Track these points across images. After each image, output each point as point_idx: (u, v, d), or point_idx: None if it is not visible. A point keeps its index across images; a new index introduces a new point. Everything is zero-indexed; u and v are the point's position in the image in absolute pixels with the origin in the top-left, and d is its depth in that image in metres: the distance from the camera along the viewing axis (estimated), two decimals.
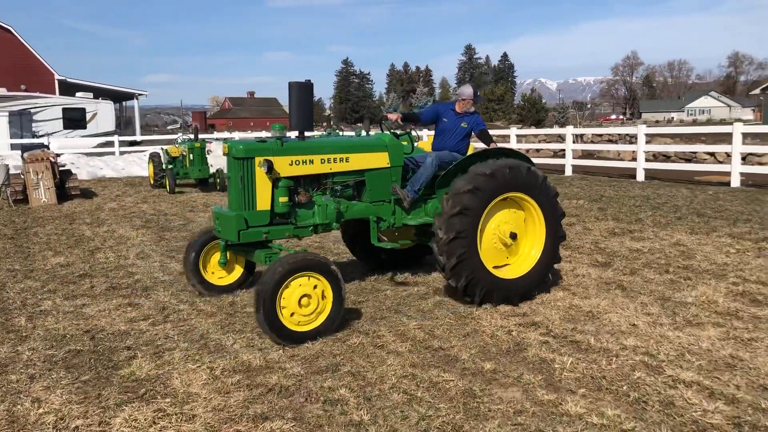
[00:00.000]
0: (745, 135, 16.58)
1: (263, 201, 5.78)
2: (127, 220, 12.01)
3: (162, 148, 18.88)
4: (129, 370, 4.63)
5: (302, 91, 5.94)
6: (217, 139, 31.69)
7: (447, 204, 5.89)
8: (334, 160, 6.14)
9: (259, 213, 5.77)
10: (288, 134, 6.21)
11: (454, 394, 4.14)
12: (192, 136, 18.04)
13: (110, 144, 28.39)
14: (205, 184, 17.67)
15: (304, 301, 5.12)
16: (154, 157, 18.29)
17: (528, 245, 6.36)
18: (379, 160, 6.39)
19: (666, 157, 21.11)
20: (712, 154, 19.71)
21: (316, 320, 5.22)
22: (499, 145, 6.91)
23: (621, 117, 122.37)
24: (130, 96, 45.18)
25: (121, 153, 27.10)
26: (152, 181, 18.14)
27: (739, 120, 70.30)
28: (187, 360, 4.81)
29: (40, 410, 4.01)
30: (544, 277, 6.37)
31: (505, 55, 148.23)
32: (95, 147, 28.55)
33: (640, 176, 16.97)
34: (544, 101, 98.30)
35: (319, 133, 16.82)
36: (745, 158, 18.30)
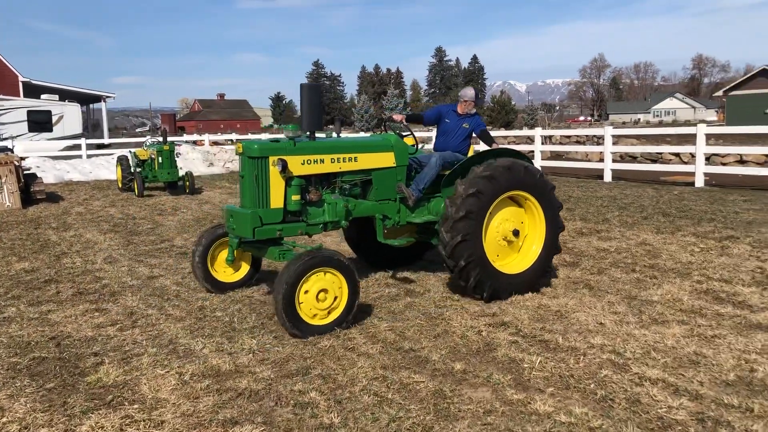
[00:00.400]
0: (708, 136, 16.96)
1: (277, 199, 5.91)
2: (95, 224, 11.83)
3: (130, 151, 18.65)
4: (96, 376, 4.56)
5: (313, 92, 6.10)
6: (186, 142, 31.43)
7: (451, 208, 6.07)
8: (344, 159, 6.29)
9: (272, 211, 5.90)
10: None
11: (425, 395, 4.16)
12: (161, 139, 17.85)
13: (77, 147, 27.91)
14: (174, 187, 17.48)
15: (321, 295, 5.32)
16: (122, 160, 18.05)
17: (529, 240, 6.61)
18: (386, 159, 6.56)
19: (632, 158, 21.46)
20: (677, 154, 20.08)
21: (332, 315, 5.42)
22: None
23: (589, 118, 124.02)
24: (98, 98, 44.45)
25: (89, 156, 26.64)
26: (120, 185, 17.91)
27: (703, 121, 71.62)
28: (156, 365, 4.76)
29: (4, 419, 3.94)
30: (546, 268, 6.65)
31: (475, 58, 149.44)
32: (62, 150, 28.03)
33: (608, 177, 17.22)
34: (513, 103, 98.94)
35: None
36: (709, 159, 18.68)
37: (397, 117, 7.04)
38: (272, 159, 5.82)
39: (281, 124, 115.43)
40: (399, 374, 4.49)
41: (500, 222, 6.39)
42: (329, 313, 5.40)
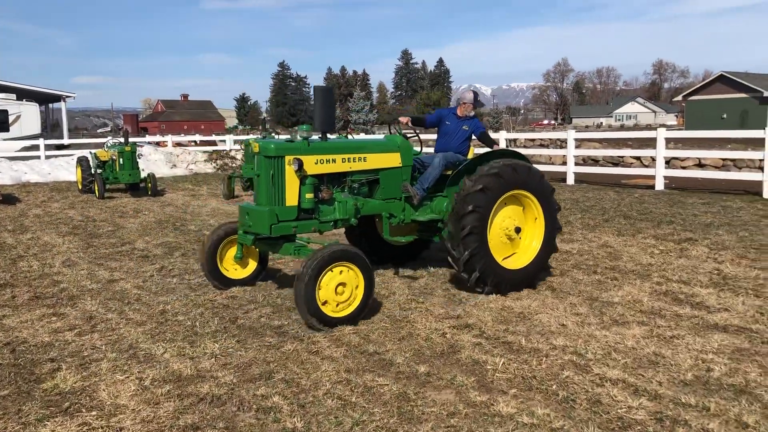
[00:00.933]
0: (668, 140, 17.29)
1: (292, 197, 6.08)
2: (53, 227, 11.56)
3: (91, 152, 18.30)
4: (52, 383, 4.45)
5: (325, 94, 6.30)
6: (149, 143, 30.94)
7: (459, 203, 6.34)
8: (354, 159, 6.51)
9: (288, 208, 6.08)
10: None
11: (389, 398, 4.15)
12: (122, 140, 17.55)
13: (35, 147, 27.27)
14: (136, 189, 17.21)
15: (339, 289, 5.52)
16: (82, 162, 17.71)
17: (529, 238, 6.89)
18: (392, 160, 6.80)
19: (595, 161, 21.78)
20: (638, 158, 20.43)
21: (348, 308, 5.61)
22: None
23: (553, 122, 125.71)
24: (57, 98, 43.49)
25: (48, 157, 26.03)
26: (80, 186, 17.57)
27: (663, 125, 72.86)
28: (115, 371, 4.67)
29: None
30: (544, 265, 6.96)
31: (441, 61, 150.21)
32: (19, 151, 27.37)
33: (570, 180, 17.46)
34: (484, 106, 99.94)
35: (254, 137, 16.66)
36: (669, 162, 19.05)
37: (403, 120, 7.31)
38: (288, 158, 6.01)
39: (246, 125, 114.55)
40: (363, 377, 4.47)
41: (503, 219, 6.68)
42: (346, 306, 5.60)
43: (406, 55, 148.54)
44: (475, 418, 3.86)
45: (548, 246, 6.88)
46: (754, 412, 3.85)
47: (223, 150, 28.27)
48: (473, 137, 7.44)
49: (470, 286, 6.46)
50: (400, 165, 6.84)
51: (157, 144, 31.43)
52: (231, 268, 6.91)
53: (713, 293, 6.37)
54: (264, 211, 5.98)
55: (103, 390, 4.32)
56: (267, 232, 6.02)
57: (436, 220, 6.94)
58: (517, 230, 6.70)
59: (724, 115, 52.12)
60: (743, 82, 52.28)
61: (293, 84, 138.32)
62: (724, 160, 18.80)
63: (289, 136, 6.62)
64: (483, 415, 3.90)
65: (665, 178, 15.72)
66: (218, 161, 25.81)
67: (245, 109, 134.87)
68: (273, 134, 18.05)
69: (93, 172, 17.08)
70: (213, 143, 32.76)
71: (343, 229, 7.23)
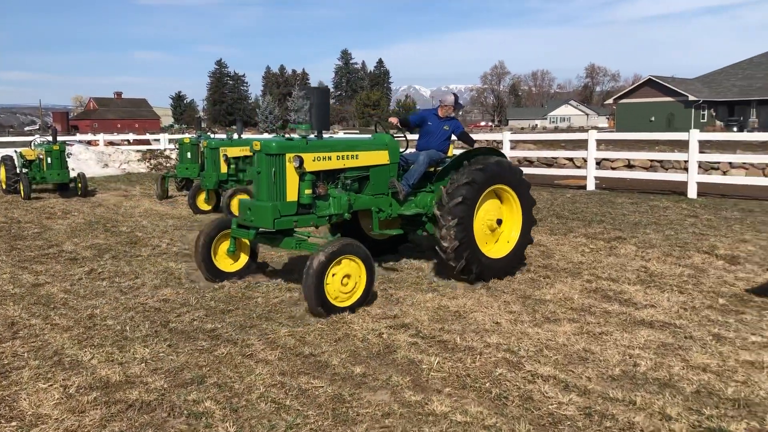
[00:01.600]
0: (599, 142, 17.82)
1: (292, 193, 6.36)
2: None
3: (16, 151, 17.55)
4: None
5: (321, 95, 6.69)
6: (80, 141, 29.89)
7: (448, 195, 6.75)
8: (347, 156, 6.83)
9: (288, 204, 6.35)
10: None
11: (323, 401, 4.12)
12: (50, 138, 16.90)
13: None
14: (65, 189, 16.60)
15: (344, 280, 5.88)
16: (6, 161, 16.98)
17: (508, 229, 7.40)
18: (382, 157, 7.15)
19: (529, 162, 22.23)
20: (570, 159, 20.95)
21: (351, 298, 5.98)
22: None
23: (490, 124, 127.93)
24: None
25: None
26: (4, 186, 16.85)
27: (595, 127, 75.12)
28: (38, 379, 4.48)
29: None
30: (521, 255, 7.47)
31: (380, 61, 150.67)
32: None
33: None
34: (418, 107, 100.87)
35: (190, 136, 16.30)
36: (600, 163, 19.62)
37: (393, 120, 7.71)
38: (289, 156, 6.29)
39: (182, 123, 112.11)
40: (298, 380, 4.43)
41: (485, 212, 7.14)
42: (349, 297, 5.97)
43: (345, 55, 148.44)
44: (409, 418, 3.87)
45: (525, 237, 7.41)
46: (676, 405, 3.99)
47: (158, 149, 27.59)
48: (453, 137, 7.84)
49: (456, 273, 6.88)
50: (389, 162, 7.20)
51: (89, 143, 30.43)
52: (224, 261, 7.11)
53: (640, 290, 6.58)
54: (267, 206, 6.24)
55: (24, 399, 4.14)
56: (270, 226, 6.27)
57: (420, 214, 7.35)
58: (499, 222, 7.22)
59: (653, 118, 54.09)
60: (670, 86, 54.35)
61: (231, 82, 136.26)
62: (651, 161, 19.48)
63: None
64: (417, 415, 3.91)
65: (596, 178, 16.19)
66: (152, 161, 25.18)
67: (181, 107, 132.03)
68: (209, 133, 17.71)
69: (18, 171, 16.40)
70: (147, 142, 31.93)
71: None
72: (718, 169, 18.37)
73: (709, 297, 6.32)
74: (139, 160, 25.16)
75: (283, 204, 6.30)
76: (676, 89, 53.70)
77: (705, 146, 22.48)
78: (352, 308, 5.94)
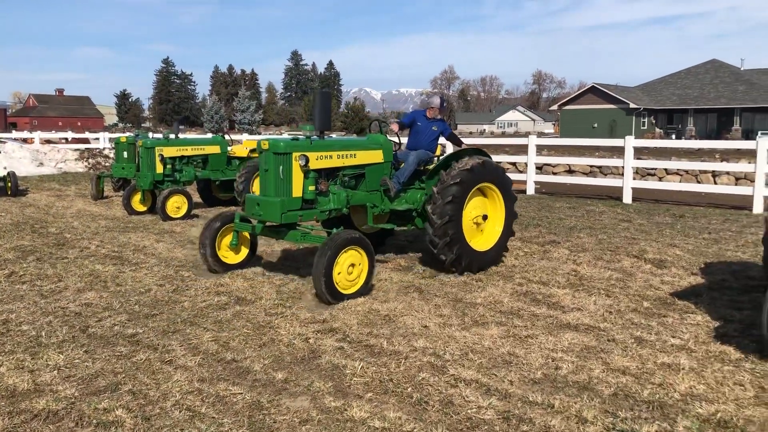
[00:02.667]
0: (540, 147, 18.13)
1: (297, 189, 6.81)
2: None
3: None
4: None
5: (324, 98, 7.12)
6: (15, 139, 28.84)
7: (439, 194, 7.26)
8: (346, 155, 7.32)
9: (294, 199, 6.80)
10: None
11: (240, 408, 4.02)
12: None
13: None
14: None
15: (350, 269, 6.36)
16: None
17: (492, 224, 7.97)
18: (377, 156, 7.66)
19: None
20: (513, 164, 21.26)
21: (355, 286, 6.47)
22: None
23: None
24: None
25: None
26: None
27: (542, 133, 76.19)
28: None
29: None
30: (504, 247, 8.07)
31: (331, 63, 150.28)
32: None
33: None
34: (368, 110, 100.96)
35: (127, 135, 15.87)
36: (542, 168, 19.98)
37: (394, 127, 8.17)
38: (295, 155, 6.73)
39: (127, 122, 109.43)
40: (216, 387, 4.31)
41: (472, 208, 7.68)
42: (353, 284, 6.45)
43: (295, 57, 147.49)
44: (326, 425, 3.81)
45: (508, 231, 8.04)
46: (593, 408, 4.03)
47: (97, 148, 26.83)
48: (442, 137, 8.41)
49: (447, 266, 7.40)
50: (383, 161, 7.71)
51: (24, 140, 29.39)
52: (227, 254, 7.52)
53: (569, 293, 6.67)
54: (276, 201, 6.68)
55: None
56: (278, 220, 6.72)
57: (411, 209, 7.86)
58: (485, 217, 7.80)
59: (596, 124, 55.37)
60: (612, 93, 55.73)
61: (178, 81, 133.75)
62: (591, 166, 19.93)
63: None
64: (336, 421, 3.85)
65: (536, 183, 16.44)
66: (90, 160, 24.47)
67: (126, 106, 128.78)
68: (149, 133, 17.28)
69: None
70: (86, 141, 31.04)
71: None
72: (654, 175, 18.91)
73: (634, 300, 6.45)
74: (76, 160, 24.43)
75: (289, 199, 6.75)
76: (618, 97, 55.12)
77: (643, 153, 23.13)
78: (355, 296, 6.38)
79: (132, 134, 15.00)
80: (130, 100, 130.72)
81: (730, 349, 5.05)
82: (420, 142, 8.20)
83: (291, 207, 6.78)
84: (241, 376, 4.53)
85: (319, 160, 6.98)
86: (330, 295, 6.16)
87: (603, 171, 19.74)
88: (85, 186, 17.58)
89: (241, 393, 4.22)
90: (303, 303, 6.30)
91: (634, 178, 15.49)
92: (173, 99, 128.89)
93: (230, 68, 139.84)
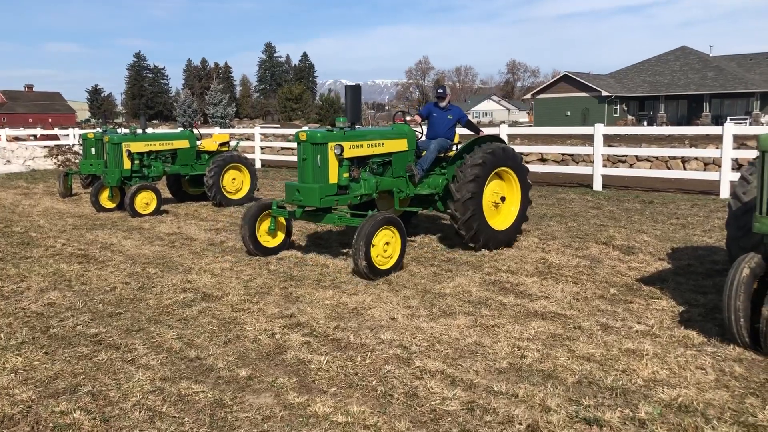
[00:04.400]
0: (514, 136, 18.16)
1: (333, 176, 7.43)
2: None
3: None
4: None
5: (354, 92, 7.70)
6: None
7: (463, 174, 7.84)
8: (375, 144, 7.97)
9: (330, 185, 7.41)
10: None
11: (202, 406, 3.96)
12: None
13: None
14: None
15: (384, 246, 6.95)
16: None
17: (510, 206, 8.51)
18: (402, 144, 8.34)
19: None
20: None
21: (389, 262, 7.04)
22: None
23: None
24: None
25: None
26: None
27: (516, 122, 76.40)
28: None
29: None
30: (518, 229, 8.62)
31: (305, 55, 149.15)
32: None
33: None
34: (343, 102, 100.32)
35: (94, 131, 15.60)
36: None
37: (418, 119, 8.78)
38: (331, 144, 7.32)
39: (99, 118, 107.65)
40: (178, 385, 4.25)
41: (491, 190, 8.23)
42: (388, 261, 7.01)
43: (269, 49, 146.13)
44: (289, 421, 3.77)
45: (522, 214, 8.56)
46: (557, 396, 4.04)
47: (66, 145, 26.37)
48: (459, 125, 8.93)
49: (466, 241, 7.97)
50: (407, 149, 8.36)
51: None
52: (266, 238, 8.04)
53: (536, 282, 6.70)
54: (315, 187, 7.27)
55: None
56: (318, 204, 7.32)
57: (433, 193, 8.47)
58: (503, 199, 8.35)
59: (568, 113, 55.74)
60: (585, 82, 56.11)
61: (150, 76, 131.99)
62: (563, 155, 20.00)
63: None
64: (298, 417, 3.82)
65: None
66: (59, 157, 24.05)
67: (98, 101, 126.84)
68: (116, 129, 17.04)
69: None
70: (55, 137, 30.48)
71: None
72: (625, 162, 19.04)
73: (601, 287, 6.49)
74: (45, 156, 24.00)
75: (326, 185, 7.34)
76: (590, 85, 55.51)
77: (614, 140, 23.30)
78: (389, 272, 6.96)
79: (99, 130, 14.75)
80: (102, 95, 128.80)
81: (693, 333, 5.10)
82: (438, 132, 8.79)
83: (328, 192, 7.37)
84: (204, 373, 4.47)
85: (352, 149, 7.58)
86: (369, 270, 6.72)
87: (575, 159, 19.83)
88: (53, 183, 17.28)
89: (204, 391, 4.16)
90: (270, 298, 6.24)
91: (604, 165, 15.62)
92: (146, 93, 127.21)
93: (203, 61, 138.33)
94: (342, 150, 7.34)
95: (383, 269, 6.92)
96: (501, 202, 8.35)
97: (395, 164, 8.29)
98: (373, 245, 6.78)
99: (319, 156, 7.32)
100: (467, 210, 7.77)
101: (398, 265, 7.14)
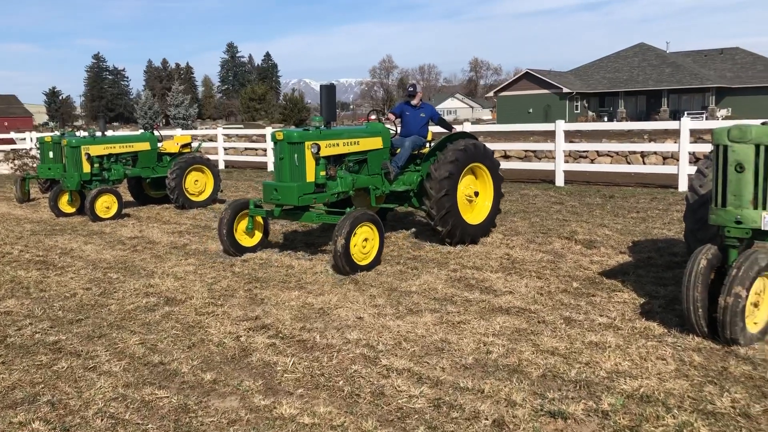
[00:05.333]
0: (477, 134, 18.22)
1: (310, 174, 7.51)
2: None
3: None
4: None
5: (330, 91, 7.87)
6: None
7: (437, 171, 7.98)
8: (351, 143, 8.10)
9: (308, 184, 7.50)
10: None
11: (167, 412, 3.91)
12: None
13: None
14: None
15: (363, 243, 7.08)
16: None
17: (483, 201, 8.76)
18: (377, 143, 8.46)
19: None
20: None
21: (368, 258, 7.17)
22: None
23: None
24: None
25: None
26: None
27: (480, 119, 76.94)
28: None
29: None
30: (492, 222, 8.89)
31: (268, 55, 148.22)
32: None
33: None
34: (308, 101, 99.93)
35: (52, 134, 15.27)
36: None
37: (391, 117, 9.10)
38: (307, 143, 7.41)
39: (57, 121, 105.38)
40: (141, 391, 4.18)
41: (465, 186, 8.43)
42: (366, 257, 7.13)
43: (231, 49, 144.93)
44: (255, 424, 3.74)
45: (496, 207, 8.84)
46: (522, 390, 4.08)
47: (23, 149, 25.73)
48: (432, 123, 9.07)
49: (442, 237, 8.15)
50: (382, 147, 8.50)
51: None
52: (243, 238, 8.10)
53: (501, 277, 6.75)
54: (293, 185, 7.36)
55: None
56: (296, 202, 7.40)
57: (408, 190, 8.66)
58: (476, 194, 8.58)
59: (531, 110, 56.37)
60: (546, 79, 56.82)
61: (110, 77, 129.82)
62: (526, 151, 20.22)
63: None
64: (265, 420, 3.79)
65: None
66: (16, 161, 23.46)
67: (56, 104, 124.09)
68: (75, 131, 16.68)
69: None
70: (11, 141, 29.74)
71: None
72: (586, 157, 19.34)
73: (564, 281, 6.58)
74: (1, 161, 23.41)
75: (304, 184, 7.42)
76: (551, 82, 56.21)
77: (575, 136, 23.62)
78: (367, 268, 7.09)
79: (57, 133, 14.43)
80: (60, 97, 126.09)
81: (654, 324, 5.19)
82: (411, 129, 8.91)
83: (306, 191, 7.45)
84: (168, 378, 4.41)
85: (328, 148, 7.68)
86: (348, 266, 6.83)
87: (537, 155, 20.06)
88: (10, 189, 16.87)
89: (168, 396, 4.10)
90: (234, 300, 6.18)
91: (566, 161, 15.83)
92: (106, 95, 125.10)
93: (164, 62, 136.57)
94: (319, 149, 7.42)
95: (361, 265, 7.04)
96: (474, 197, 8.55)
97: (371, 162, 8.42)
98: (354, 244, 6.92)
99: (296, 155, 7.42)
100: (443, 207, 7.91)
101: (377, 262, 7.27)
